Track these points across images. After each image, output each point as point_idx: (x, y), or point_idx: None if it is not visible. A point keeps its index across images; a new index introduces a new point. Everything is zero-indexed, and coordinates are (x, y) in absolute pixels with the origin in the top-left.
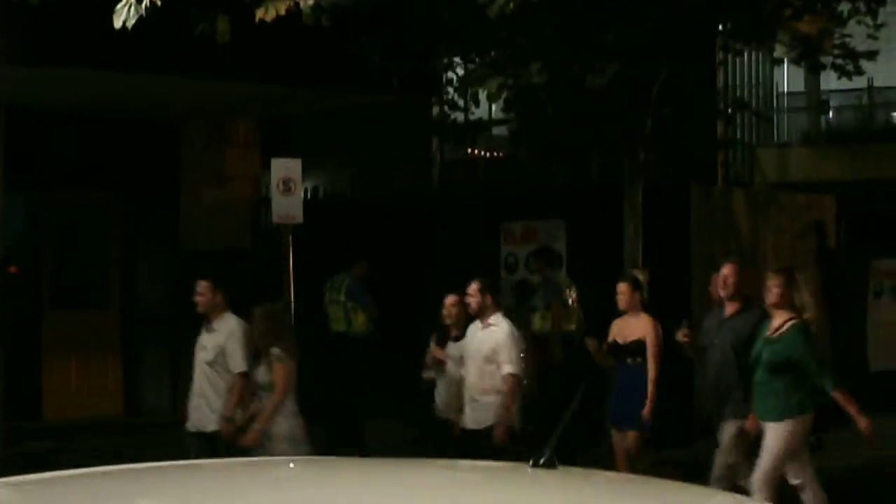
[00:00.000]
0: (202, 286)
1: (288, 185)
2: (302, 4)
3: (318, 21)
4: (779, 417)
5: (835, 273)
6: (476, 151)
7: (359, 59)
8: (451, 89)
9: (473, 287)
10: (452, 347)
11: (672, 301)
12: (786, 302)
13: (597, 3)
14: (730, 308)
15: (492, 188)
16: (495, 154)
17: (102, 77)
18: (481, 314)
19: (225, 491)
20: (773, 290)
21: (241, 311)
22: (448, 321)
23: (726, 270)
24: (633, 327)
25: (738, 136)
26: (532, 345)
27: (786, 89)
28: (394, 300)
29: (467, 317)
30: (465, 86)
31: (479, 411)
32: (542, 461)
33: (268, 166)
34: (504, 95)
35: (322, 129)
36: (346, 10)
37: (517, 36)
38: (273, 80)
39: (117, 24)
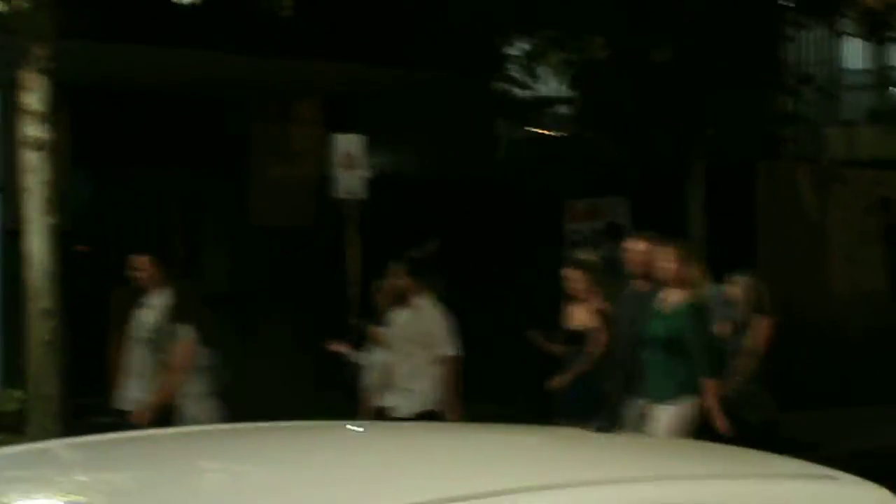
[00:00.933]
0: (141, 261)
1: (351, 162)
2: None
3: None
4: (674, 398)
5: None
6: (540, 130)
7: (422, 37)
8: (514, 65)
9: (398, 268)
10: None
11: None
12: (680, 278)
13: None
14: (640, 285)
15: (556, 166)
16: (559, 133)
17: (168, 54)
18: (406, 297)
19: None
20: (665, 265)
21: (303, 289)
22: (378, 304)
23: (637, 246)
24: (580, 313)
25: (804, 112)
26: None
27: (852, 66)
28: (459, 278)
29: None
30: (528, 62)
31: (411, 398)
32: (604, 426)
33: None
34: (569, 72)
35: (386, 107)
36: None
37: (581, 10)
38: (338, 57)
39: None
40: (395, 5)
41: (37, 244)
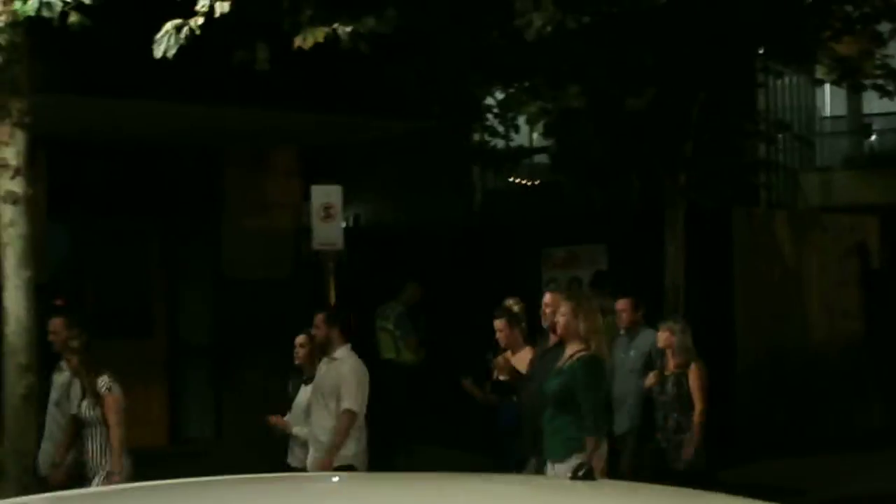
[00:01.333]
0: (55, 324)
1: (328, 212)
2: (340, 32)
3: (356, 48)
4: (565, 456)
5: (877, 293)
6: (517, 179)
7: (398, 87)
8: (490, 115)
9: (318, 319)
10: (304, 392)
11: (715, 325)
12: (573, 332)
13: (635, 26)
14: (552, 340)
15: (533, 215)
16: (536, 182)
17: (143, 106)
18: (327, 348)
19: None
20: (559, 319)
21: (281, 342)
22: (298, 362)
23: (546, 299)
24: (517, 363)
25: (781, 159)
26: None
27: (828, 113)
28: (438, 327)
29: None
30: (504, 111)
31: (322, 452)
32: (580, 474)
33: (309, 194)
34: (543, 120)
35: (363, 157)
36: (384, 37)
37: (555, 60)
38: (314, 108)
39: (157, 53)
40: (372, 56)
41: (14, 299)
